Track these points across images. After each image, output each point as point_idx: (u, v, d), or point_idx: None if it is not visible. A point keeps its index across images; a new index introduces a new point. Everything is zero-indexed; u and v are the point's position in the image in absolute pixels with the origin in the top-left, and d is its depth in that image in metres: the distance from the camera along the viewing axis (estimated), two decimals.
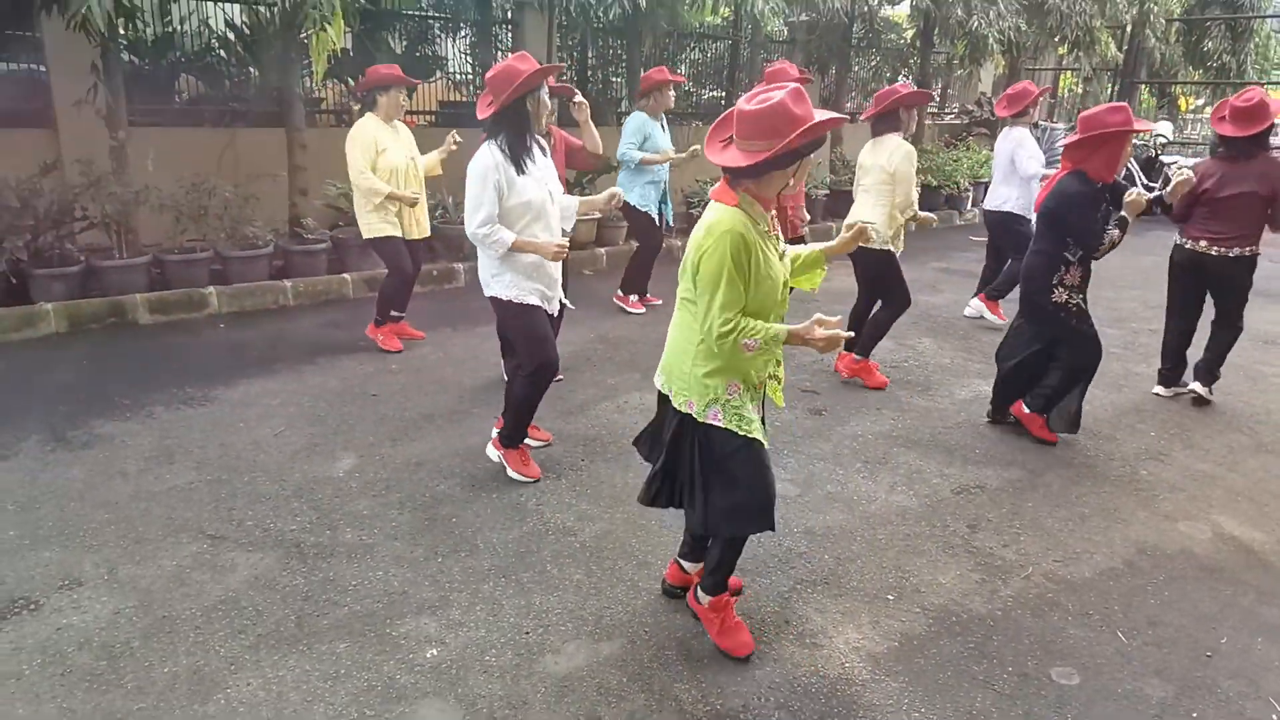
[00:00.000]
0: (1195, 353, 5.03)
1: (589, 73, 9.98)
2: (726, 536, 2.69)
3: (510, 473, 3.75)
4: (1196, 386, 4.95)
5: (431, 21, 9.13)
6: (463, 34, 9.45)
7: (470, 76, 9.78)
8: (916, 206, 4.82)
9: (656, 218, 6.26)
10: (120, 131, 5.98)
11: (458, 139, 5.05)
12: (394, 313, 5.45)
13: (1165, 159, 12.50)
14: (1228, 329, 4.86)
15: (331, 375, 4.97)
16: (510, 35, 9.11)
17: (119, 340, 5.50)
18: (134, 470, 3.76)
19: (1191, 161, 12.36)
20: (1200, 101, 18.04)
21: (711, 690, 2.56)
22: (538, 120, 3.51)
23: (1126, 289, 7.84)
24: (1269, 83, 15.65)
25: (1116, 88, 13.95)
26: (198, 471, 3.77)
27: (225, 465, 3.84)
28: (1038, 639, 2.87)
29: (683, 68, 10.85)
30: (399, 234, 5.13)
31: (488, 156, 3.40)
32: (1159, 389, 5.11)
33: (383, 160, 4.96)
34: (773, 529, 2.63)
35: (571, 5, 7.06)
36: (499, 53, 8.82)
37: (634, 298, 6.50)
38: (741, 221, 2.36)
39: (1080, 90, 14.58)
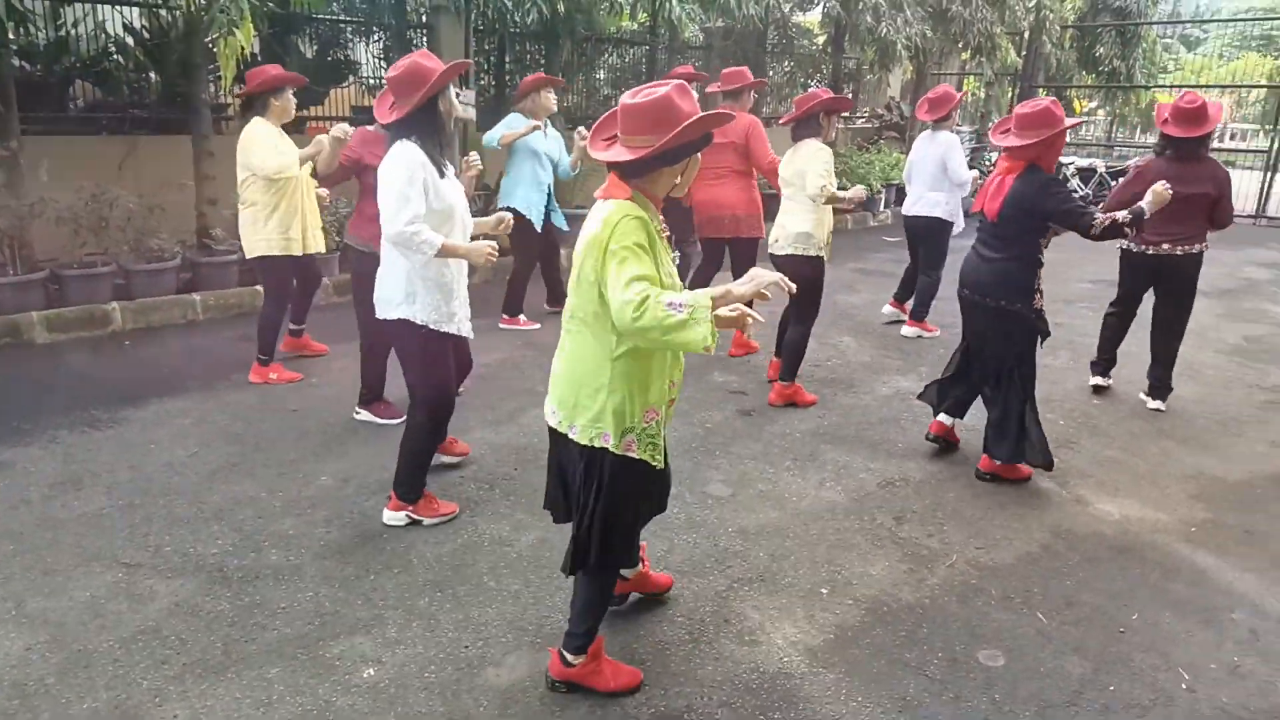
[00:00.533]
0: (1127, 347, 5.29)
1: (506, 77, 9.90)
2: (600, 570, 2.48)
3: (427, 523, 3.43)
4: (1153, 403, 5.02)
5: (343, 25, 8.93)
6: (375, 38, 9.27)
7: (383, 81, 9.60)
8: (829, 185, 4.56)
9: (539, 226, 5.90)
10: (12, 141, 5.67)
11: (348, 129, 4.40)
12: (293, 326, 5.22)
13: (1063, 159, 13.11)
14: (1176, 326, 4.96)
15: (248, 391, 4.81)
16: (425, 39, 8.97)
17: (14, 361, 5.20)
18: (38, 498, 3.56)
19: (1086, 162, 13.01)
20: (1093, 104, 18.98)
21: (655, 693, 2.57)
22: (448, 120, 3.28)
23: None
24: (1157, 86, 16.57)
25: (1017, 91, 14.55)
26: (108, 497, 3.60)
27: (138, 489, 3.67)
28: (964, 624, 2.97)
29: (601, 72, 10.89)
30: (295, 252, 4.75)
31: (413, 152, 3.10)
32: (1098, 379, 5.25)
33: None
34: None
35: (489, 9, 6.99)
36: None
37: (522, 316, 6.19)
38: (639, 211, 2.21)
39: (983, 94, 15.15)
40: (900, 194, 8.13)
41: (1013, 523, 3.67)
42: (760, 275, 2.22)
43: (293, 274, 4.91)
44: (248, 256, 4.83)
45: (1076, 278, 8.44)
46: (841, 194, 4.58)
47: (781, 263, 4.67)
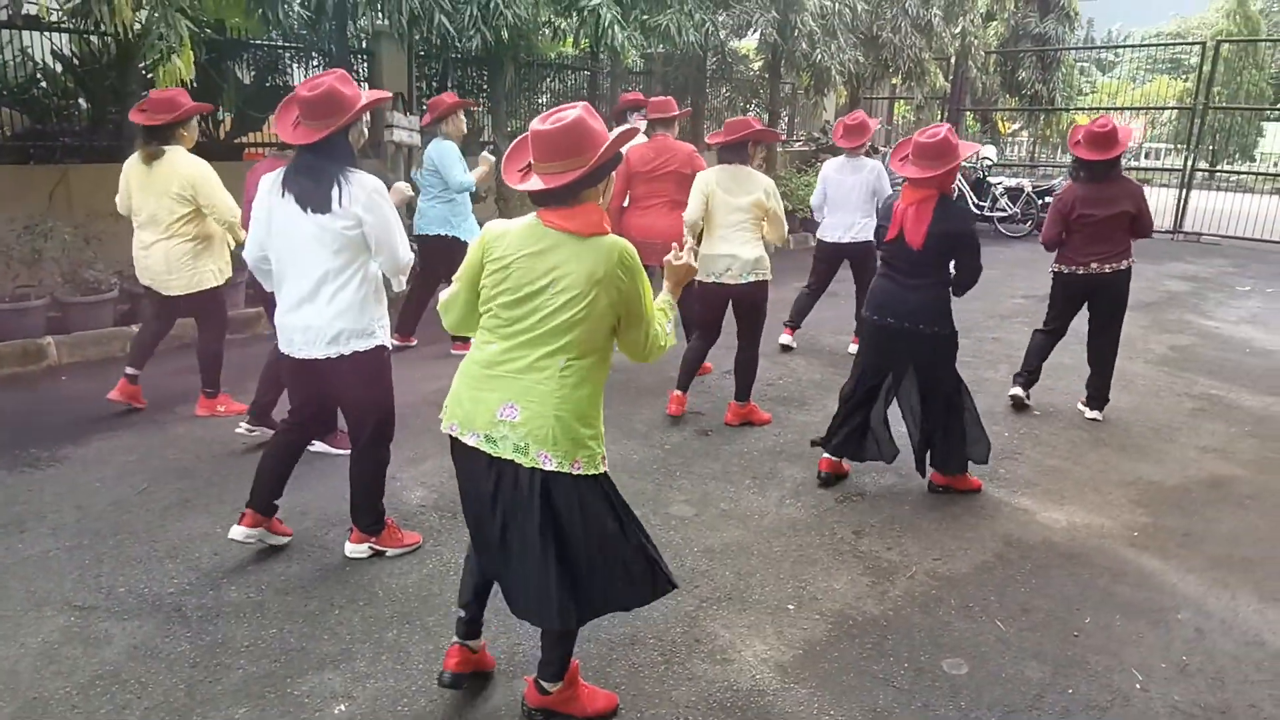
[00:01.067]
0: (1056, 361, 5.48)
1: None
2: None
3: (391, 554, 3.38)
4: (1091, 414, 5.19)
5: (282, 51, 8.82)
6: (315, 63, 9.17)
7: None
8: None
9: None
10: None
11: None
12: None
13: (992, 179, 13.59)
14: (1112, 340, 5.14)
15: (196, 425, 4.69)
16: (366, 65, 8.93)
17: None
18: None
19: (1013, 182, 13.48)
20: (1016, 125, 19.75)
21: (632, 715, 2.58)
22: (355, 149, 3.17)
23: (969, 300, 8.41)
24: (1076, 108, 17.32)
25: (945, 114, 15.06)
26: (54, 538, 3.47)
27: (85, 529, 3.55)
28: (928, 634, 3.05)
29: (543, 98, 10.94)
30: (222, 283, 4.70)
31: (380, 181, 3.06)
32: (1017, 390, 5.31)
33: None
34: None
35: (432, 35, 6.99)
36: (357, 82, 8.60)
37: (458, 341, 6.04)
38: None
39: (914, 118, 15.66)
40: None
41: (966, 533, 3.78)
42: (675, 267, 2.52)
43: (223, 307, 4.81)
44: (189, 292, 4.56)
45: (1009, 294, 8.75)
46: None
47: (741, 291, 4.68)
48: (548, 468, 2.23)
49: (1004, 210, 13.23)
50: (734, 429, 4.85)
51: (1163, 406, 5.51)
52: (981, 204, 13.37)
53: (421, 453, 4.27)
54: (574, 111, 2.20)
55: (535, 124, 2.22)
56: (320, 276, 3.04)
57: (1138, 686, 2.80)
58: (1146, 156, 23.02)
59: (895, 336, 3.96)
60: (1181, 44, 24.63)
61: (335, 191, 2.95)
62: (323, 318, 3.06)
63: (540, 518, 2.24)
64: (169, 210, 4.40)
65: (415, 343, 6.25)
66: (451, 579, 3.26)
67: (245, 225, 4.26)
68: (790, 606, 3.18)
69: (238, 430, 4.39)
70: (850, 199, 6.23)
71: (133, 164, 4.47)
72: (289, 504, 3.78)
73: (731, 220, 4.67)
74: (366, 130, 3.27)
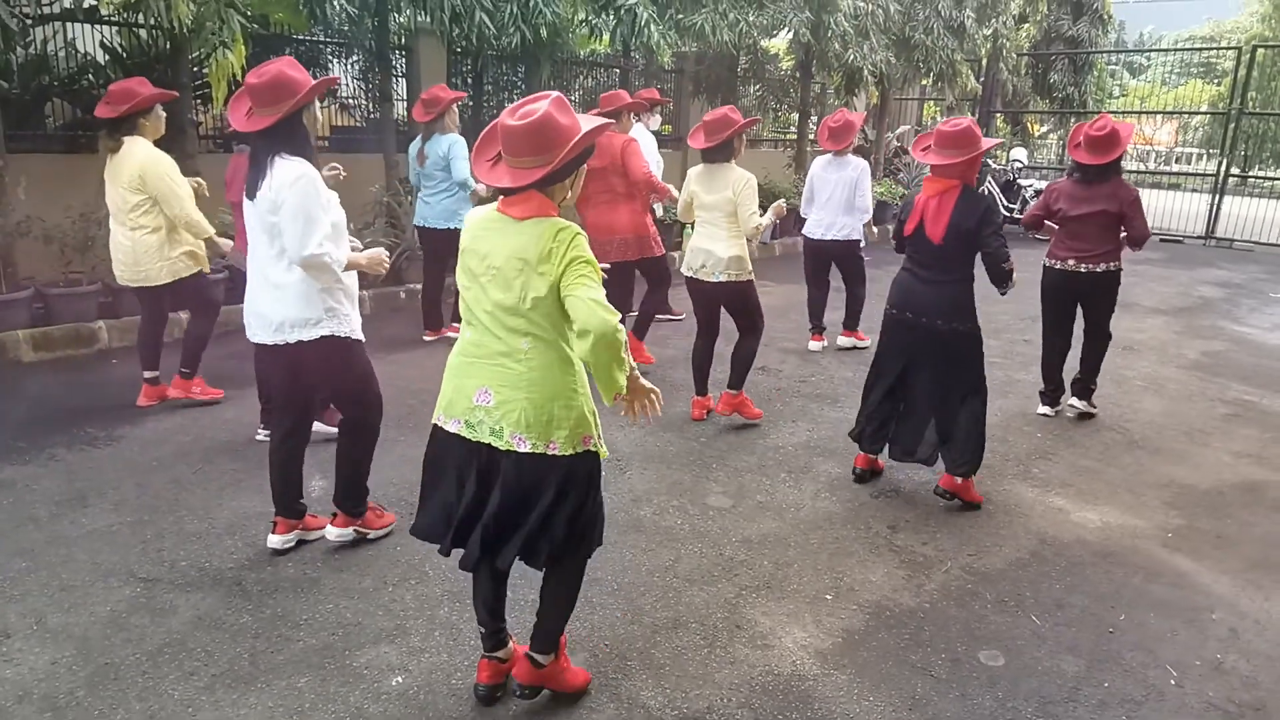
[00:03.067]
0: (1073, 368, 5.51)
1: (484, 99, 10.01)
2: (584, 556, 2.52)
3: (373, 535, 3.43)
4: (1076, 403, 5.23)
5: (324, 46, 8.97)
6: (355, 59, 9.33)
7: (363, 101, 9.66)
8: (760, 219, 4.63)
9: None
10: None
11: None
12: (184, 369, 4.87)
13: (1022, 182, 13.55)
14: (1098, 340, 5.15)
15: (243, 408, 4.81)
16: (405, 61, 9.06)
17: (2, 380, 5.15)
18: (45, 515, 3.56)
19: (1044, 184, 13.46)
20: (1046, 128, 19.64)
21: (677, 695, 2.67)
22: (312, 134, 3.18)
23: (998, 302, 8.43)
24: (1108, 111, 17.20)
25: (976, 116, 15.01)
26: (116, 513, 3.61)
27: (146, 505, 3.68)
28: (963, 626, 3.11)
29: (577, 94, 11.04)
30: (203, 268, 4.67)
31: (308, 168, 2.97)
32: (1044, 409, 5.28)
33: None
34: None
35: (471, 33, 7.10)
36: (395, 78, 8.74)
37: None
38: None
39: (945, 119, 15.60)
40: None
41: (1001, 530, 3.83)
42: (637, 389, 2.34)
43: (209, 292, 4.80)
44: (165, 282, 4.51)
45: (1036, 295, 8.72)
46: (764, 220, 4.66)
47: (715, 290, 4.68)
48: (522, 449, 2.28)
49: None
50: (769, 425, 4.92)
51: (1195, 411, 5.52)
52: (1011, 206, 13.33)
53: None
54: (544, 105, 2.18)
55: (504, 117, 2.20)
56: (263, 262, 3.08)
57: (1172, 683, 2.85)
58: (1177, 161, 22.79)
59: (908, 331, 3.93)
60: (1215, 48, 24.35)
61: (265, 176, 2.95)
62: (266, 304, 3.08)
63: (504, 491, 2.32)
64: (124, 199, 4.35)
65: (448, 333, 6.35)
66: None
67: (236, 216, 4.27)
68: (828, 596, 3.26)
69: (257, 437, 4.33)
70: (833, 197, 6.23)
71: (104, 154, 4.42)
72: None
73: (706, 216, 4.69)
74: (318, 112, 3.26)
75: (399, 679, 2.68)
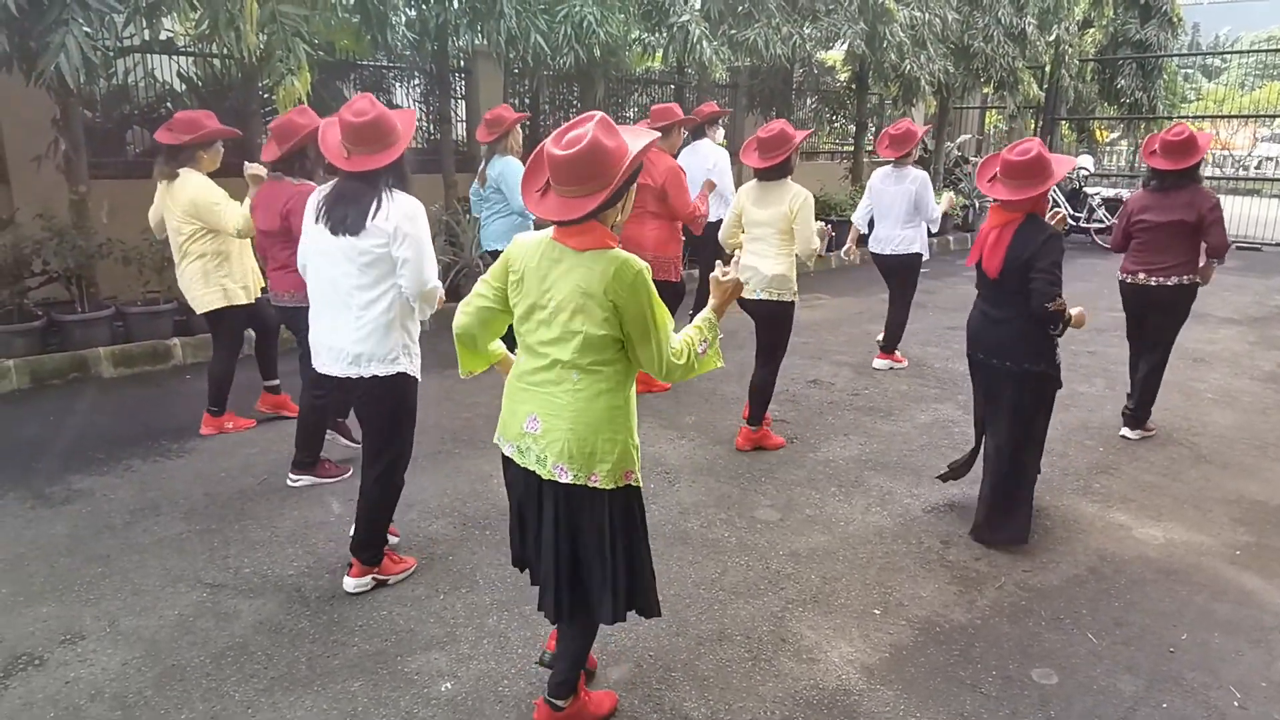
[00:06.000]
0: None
1: (541, 118, 10.19)
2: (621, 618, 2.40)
3: (393, 580, 3.32)
4: (1128, 433, 5.01)
5: (386, 71, 9.26)
6: (416, 83, 9.60)
7: (424, 123, 9.92)
8: (818, 245, 4.53)
9: None
10: (81, 185, 5.97)
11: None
12: (268, 382, 5.05)
13: (1089, 190, 13.21)
14: (1156, 355, 4.93)
15: None
16: (464, 83, 9.29)
17: (84, 395, 5.44)
18: (120, 523, 3.75)
19: (1111, 193, 13.10)
20: (1115, 135, 19.11)
21: (720, 707, 2.68)
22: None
23: None
24: (1180, 116, 16.67)
25: (1039, 124, 14.70)
26: (186, 522, 3.77)
27: (213, 515, 3.84)
28: (1016, 643, 3.05)
29: (631, 111, 11.17)
30: (246, 300, 4.66)
31: (419, 203, 3.06)
32: (1126, 432, 5.05)
33: None
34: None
35: (528, 55, 7.26)
36: (454, 100, 8.98)
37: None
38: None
39: (1006, 128, 15.31)
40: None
41: (1058, 546, 3.75)
42: (721, 284, 2.43)
43: (246, 324, 4.83)
44: (200, 311, 4.59)
45: (1105, 306, 8.49)
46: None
47: (754, 307, 4.54)
48: (564, 480, 2.26)
49: (1101, 221, 12.85)
50: (819, 438, 4.90)
51: (1270, 425, 5.31)
52: (1078, 215, 13.01)
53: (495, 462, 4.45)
54: (589, 130, 2.10)
55: (550, 145, 2.13)
56: (346, 296, 3.04)
57: (1235, 704, 2.75)
58: (1259, 166, 21.93)
59: (981, 370, 3.75)
60: None
61: (372, 210, 2.94)
62: (346, 339, 3.05)
63: (553, 526, 2.31)
64: (177, 228, 4.45)
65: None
66: None
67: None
68: (876, 611, 3.23)
69: (289, 482, 4.19)
70: (892, 210, 6.11)
71: (160, 185, 4.51)
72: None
73: (755, 233, 4.56)
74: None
75: (448, 685, 2.74)
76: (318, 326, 3.16)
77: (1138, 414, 5.04)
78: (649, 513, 3.75)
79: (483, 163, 6.04)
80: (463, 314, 2.46)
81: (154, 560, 3.45)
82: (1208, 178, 12.80)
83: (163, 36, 7.18)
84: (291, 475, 4.16)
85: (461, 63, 9.15)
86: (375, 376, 3.07)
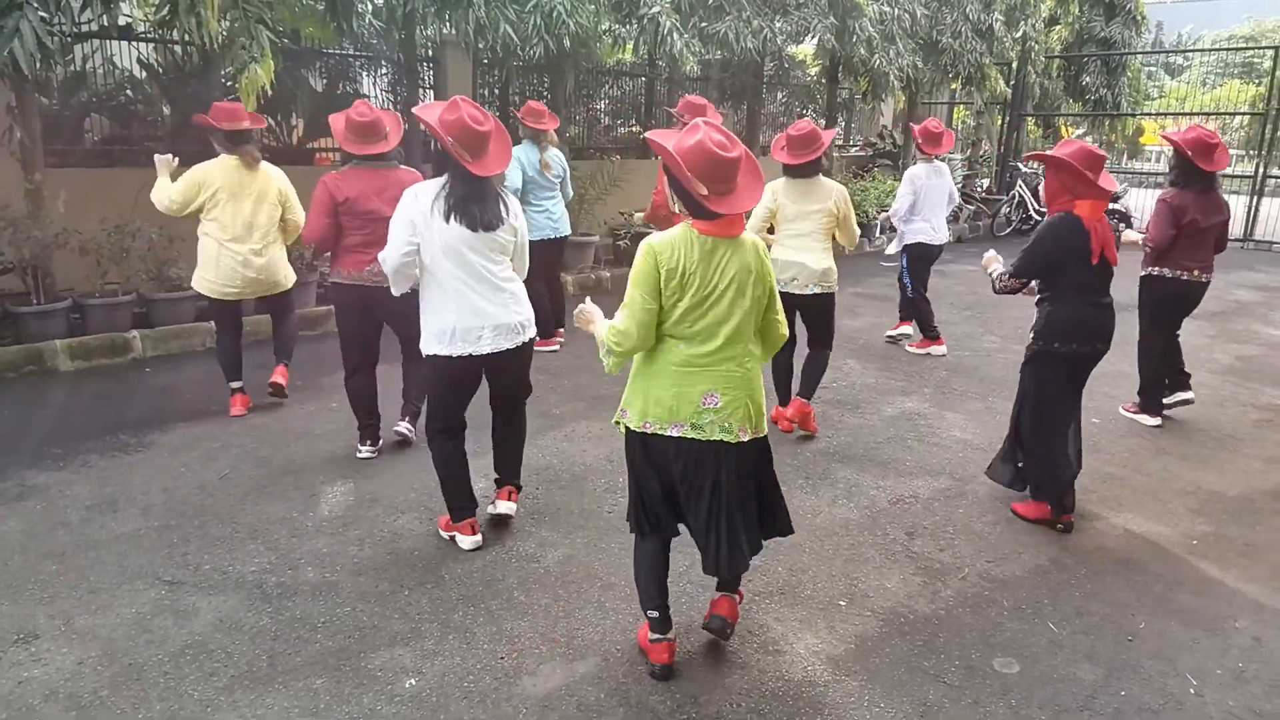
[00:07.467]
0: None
1: (510, 108, 10.11)
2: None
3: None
4: (1152, 420, 5.25)
5: (353, 59, 9.13)
6: (383, 71, 9.47)
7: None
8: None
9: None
10: (36, 174, 5.82)
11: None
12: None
13: None
14: (1177, 349, 5.28)
15: (270, 417, 4.92)
16: (432, 73, 9.19)
17: (40, 388, 5.31)
18: (76, 520, 3.66)
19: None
20: (1080, 131, 19.37)
21: (686, 700, 2.68)
22: None
23: (1027, 307, 8.33)
24: (1142, 114, 16.93)
25: (1006, 120, 14.86)
26: (144, 518, 3.70)
27: (172, 510, 3.77)
28: (979, 634, 3.08)
29: (602, 103, 11.12)
30: None
31: None
32: (1186, 395, 5.32)
33: None
34: None
35: (497, 44, 7.18)
36: (422, 89, 8.88)
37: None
38: None
39: (973, 123, 15.46)
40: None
41: (1021, 537, 3.79)
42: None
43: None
44: (284, 289, 4.99)
45: None
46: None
47: (807, 301, 4.66)
48: (744, 439, 2.63)
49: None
50: (784, 432, 4.91)
51: (1227, 416, 5.42)
52: (1042, 209, 13.17)
53: (486, 446, 4.42)
54: (729, 136, 2.48)
55: (721, 151, 2.42)
56: (503, 280, 3.39)
57: (1192, 691, 2.81)
58: None
59: (1085, 361, 3.83)
60: (1251, 48, 23.84)
61: (502, 208, 3.36)
62: (505, 312, 3.39)
63: (737, 480, 2.66)
64: (269, 215, 4.77)
65: (547, 346, 6.41)
66: (514, 566, 3.40)
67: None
68: (842, 603, 3.25)
69: (360, 455, 4.38)
70: (939, 203, 6.52)
71: (226, 169, 4.64)
72: (360, 492, 3.98)
73: (801, 229, 4.65)
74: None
75: (412, 681, 2.72)
76: (467, 313, 3.33)
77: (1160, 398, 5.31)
78: (616, 506, 3.77)
79: (533, 151, 6.01)
80: (632, 328, 2.58)
81: (111, 557, 3.38)
82: (1167, 173, 13.02)
83: (121, 22, 7.04)
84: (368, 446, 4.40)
85: (430, 52, 9.04)
86: (532, 338, 3.54)
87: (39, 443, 4.44)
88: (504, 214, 3.36)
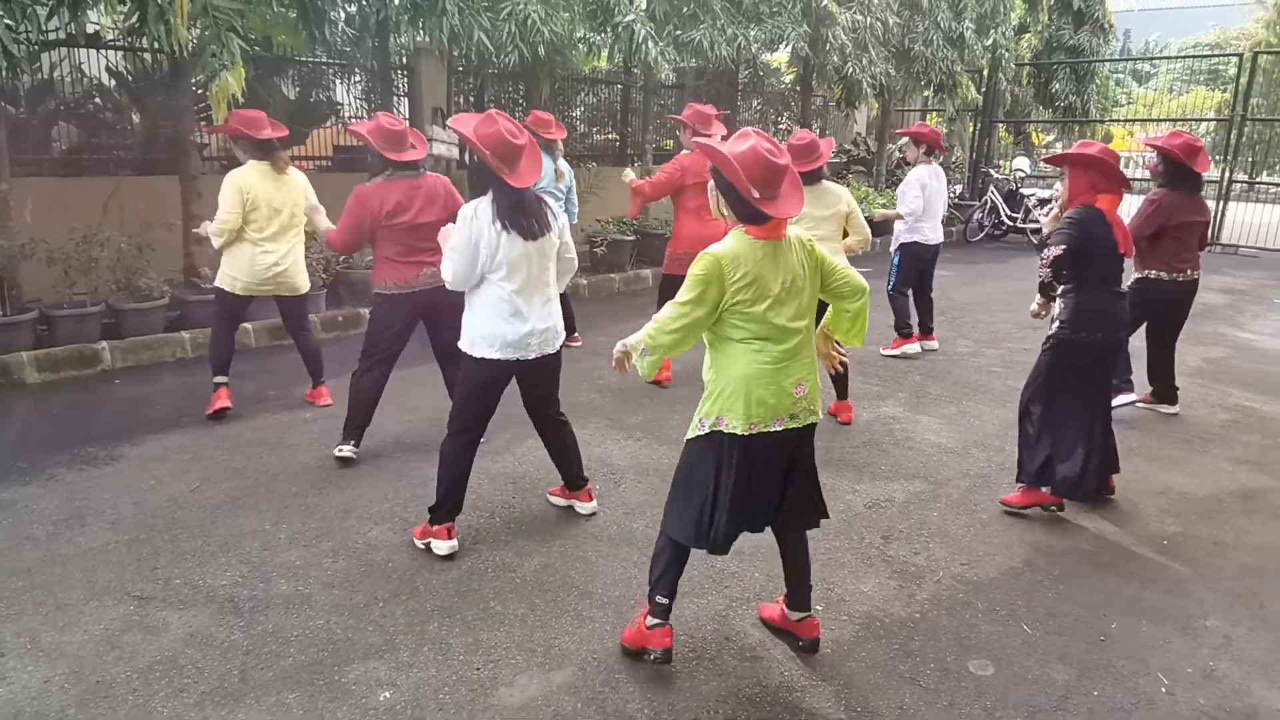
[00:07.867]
0: None
1: None
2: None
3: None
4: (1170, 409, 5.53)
5: (325, 67, 9.08)
6: (357, 79, 9.43)
7: (365, 121, 9.76)
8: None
9: None
10: (3, 183, 5.73)
11: None
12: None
13: (1025, 191, 13.55)
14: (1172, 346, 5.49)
15: (243, 427, 4.86)
16: (407, 81, 9.16)
17: (6, 401, 5.22)
18: (43, 535, 3.60)
19: (1047, 194, 13.42)
20: (1050, 137, 19.61)
21: (663, 708, 2.67)
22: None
23: (999, 311, 8.48)
24: (1111, 120, 17.17)
25: (978, 127, 15.03)
26: (113, 532, 3.64)
27: (142, 524, 3.72)
28: (954, 636, 3.10)
29: (578, 111, 11.13)
30: None
31: None
32: (1172, 409, 5.53)
33: None
34: None
35: (471, 52, 7.17)
36: (396, 97, 8.84)
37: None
38: None
39: (946, 129, 15.62)
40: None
41: (994, 539, 3.82)
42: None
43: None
44: (303, 291, 5.06)
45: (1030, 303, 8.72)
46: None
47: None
48: (813, 420, 2.81)
49: (1036, 222, 13.18)
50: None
51: (1195, 418, 5.50)
52: (1014, 215, 13.33)
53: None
54: (774, 144, 2.62)
55: (773, 157, 2.55)
56: (550, 286, 3.53)
57: (1163, 690, 2.84)
58: None
59: (1106, 349, 3.96)
60: (1217, 55, 24.26)
61: (549, 216, 3.46)
62: (552, 319, 3.53)
63: (801, 460, 2.85)
64: (297, 217, 4.87)
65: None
66: (490, 576, 3.37)
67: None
68: (818, 607, 3.24)
69: (340, 453, 4.39)
70: (939, 203, 6.72)
71: (257, 175, 4.69)
72: (333, 503, 3.95)
73: (815, 232, 4.70)
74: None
75: (387, 694, 2.69)
76: (520, 318, 3.41)
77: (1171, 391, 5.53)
78: (594, 515, 3.75)
79: (553, 160, 6.06)
80: (682, 328, 2.67)
81: (78, 572, 3.32)
82: (1136, 179, 13.21)
83: (89, 30, 6.97)
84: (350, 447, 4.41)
85: (404, 59, 9.01)
86: (557, 350, 3.61)
87: (4, 457, 4.36)
88: (549, 218, 3.46)
